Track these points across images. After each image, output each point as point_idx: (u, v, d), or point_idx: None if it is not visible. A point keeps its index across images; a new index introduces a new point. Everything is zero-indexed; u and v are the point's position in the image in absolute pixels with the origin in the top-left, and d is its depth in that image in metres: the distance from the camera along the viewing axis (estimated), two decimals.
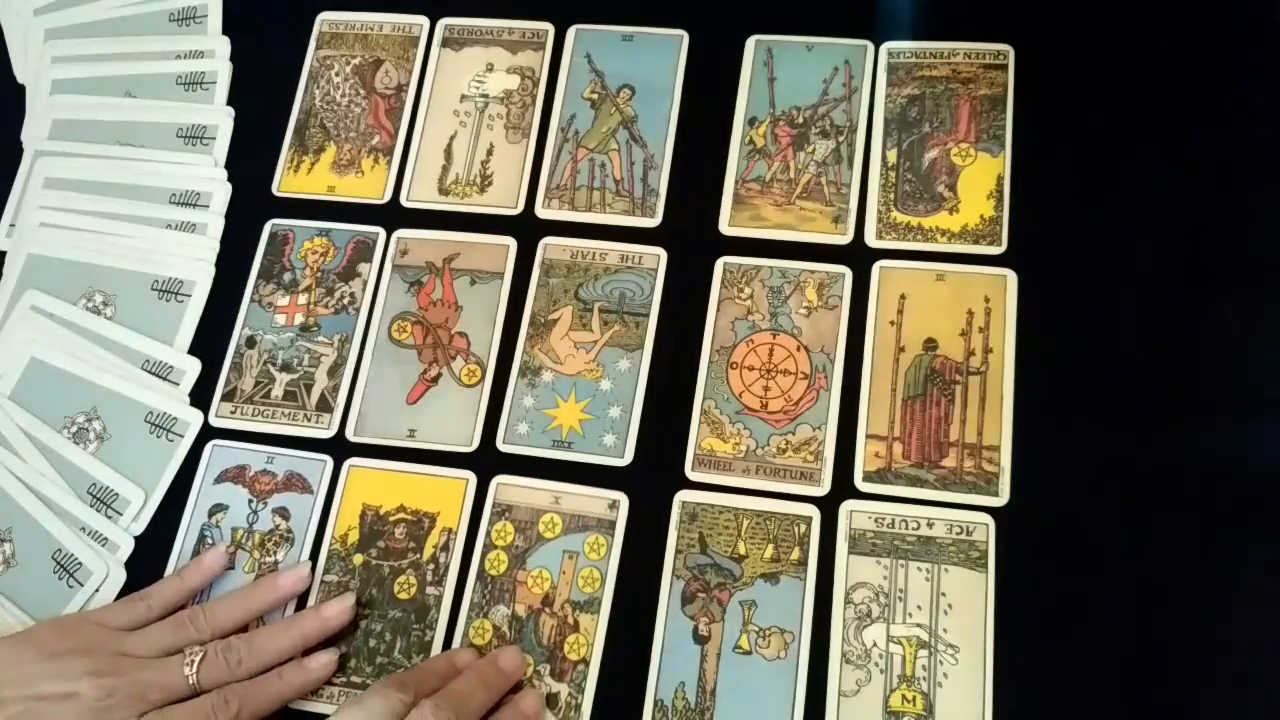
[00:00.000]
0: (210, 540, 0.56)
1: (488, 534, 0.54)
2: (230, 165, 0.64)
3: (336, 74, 0.65)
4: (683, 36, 0.62)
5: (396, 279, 0.60)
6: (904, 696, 0.49)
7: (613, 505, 0.54)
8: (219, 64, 0.66)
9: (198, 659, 0.50)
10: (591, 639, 0.52)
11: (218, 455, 0.58)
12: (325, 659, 0.52)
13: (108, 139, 0.65)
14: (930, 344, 0.54)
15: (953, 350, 0.54)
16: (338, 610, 0.53)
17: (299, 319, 0.60)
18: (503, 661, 0.51)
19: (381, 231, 0.61)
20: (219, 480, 0.57)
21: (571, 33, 0.64)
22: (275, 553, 0.56)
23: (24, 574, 0.56)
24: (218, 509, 0.57)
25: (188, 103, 0.65)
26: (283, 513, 0.56)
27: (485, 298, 0.59)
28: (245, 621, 0.53)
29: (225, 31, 0.67)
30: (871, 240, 0.57)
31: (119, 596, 0.55)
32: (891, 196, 0.57)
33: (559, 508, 0.54)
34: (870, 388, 0.54)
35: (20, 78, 0.69)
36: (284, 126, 0.65)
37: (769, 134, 0.60)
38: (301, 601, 0.54)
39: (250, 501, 0.57)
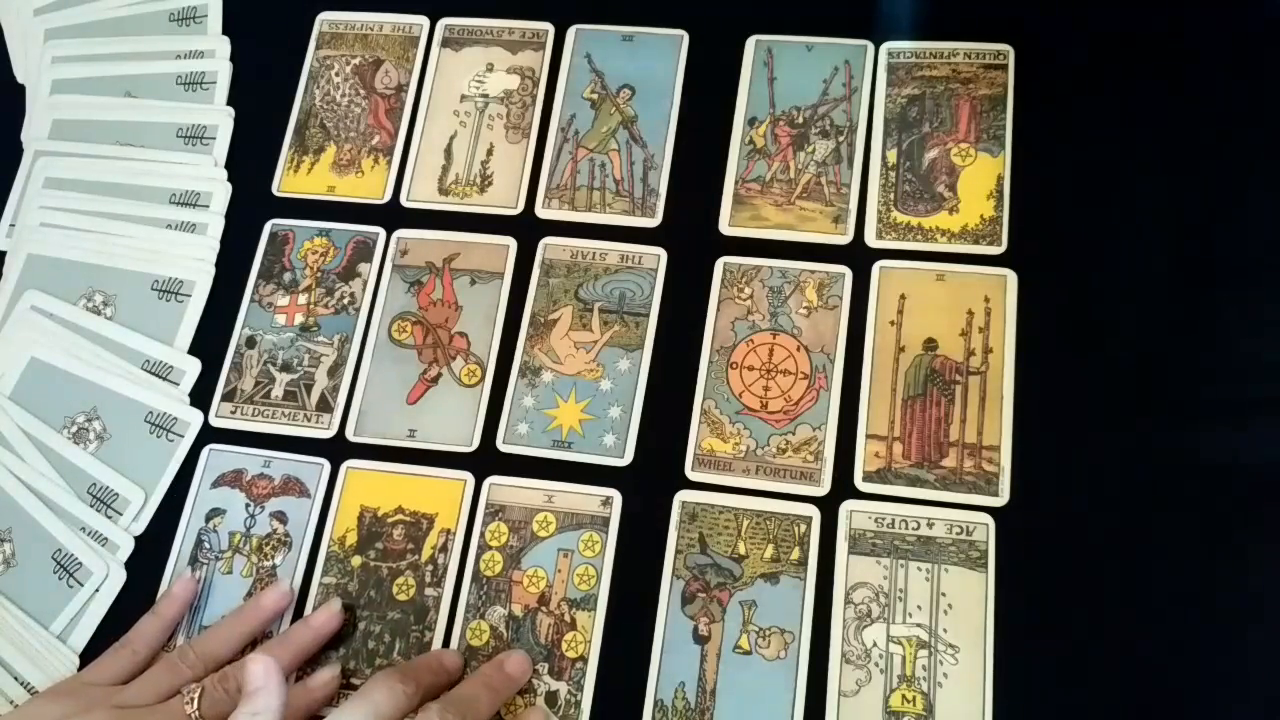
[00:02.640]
0: (207, 544, 0.56)
1: (482, 535, 0.54)
2: (230, 165, 0.64)
3: (336, 74, 0.65)
4: (683, 36, 0.62)
5: (396, 279, 0.60)
6: (904, 696, 0.49)
7: (606, 501, 0.54)
8: (219, 64, 0.66)
9: (196, 696, 0.48)
10: (589, 636, 0.52)
11: (214, 460, 0.58)
12: (326, 677, 0.51)
13: (108, 139, 0.65)
14: (930, 344, 0.54)
15: (953, 350, 0.54)
16: (325, 618, 0.52)
17: (299, 319, 0.60)
18: (509, 666, 0.50)
19: (381, 231, 0.61)
20: (215, 485, 0.57)
21: (571, 33, 0.64)
22: (273, 556, 0.55)
23: (24, 574, 0.56)
24: (215, 513, 0.57)
25: (188, 103, 0.65)
26: (280, 516, 0.56)
27: (485, 298, 0.59)
28: (237, 649, 0.52)
29: (225, 31, 0.67)
30: (871, 240, 0.57)
31: (118, 598, 0.55)
32: (891, 196, 0.57)
33: (552, 506, 0.54)
34: (870, 388, 0.54)
35: (20, 78, 0.68)
36: (284, 126, 0.65)
37: (769, 134, 0.60)
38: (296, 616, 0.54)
39: (247, 505, 0.57)
